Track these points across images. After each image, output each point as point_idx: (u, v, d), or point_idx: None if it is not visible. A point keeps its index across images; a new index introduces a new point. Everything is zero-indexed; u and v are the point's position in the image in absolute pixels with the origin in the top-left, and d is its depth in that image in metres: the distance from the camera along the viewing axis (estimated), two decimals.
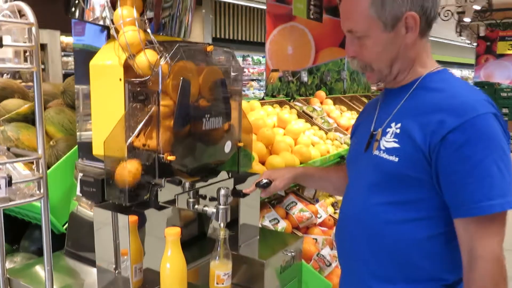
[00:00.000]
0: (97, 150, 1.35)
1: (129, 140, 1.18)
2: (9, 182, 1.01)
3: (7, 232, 1.92)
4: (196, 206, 1.40)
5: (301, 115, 3.11)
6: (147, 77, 1.22)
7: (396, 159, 1.06)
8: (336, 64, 4.74)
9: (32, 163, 1.14)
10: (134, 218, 1.23)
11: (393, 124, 1.11)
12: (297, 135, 2.53)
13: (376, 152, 1.12)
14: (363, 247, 1.16)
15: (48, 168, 1.64)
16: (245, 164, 1.67)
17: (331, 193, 2.68)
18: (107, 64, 1.29)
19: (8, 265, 1.58)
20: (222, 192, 1.34)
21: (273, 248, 1.64)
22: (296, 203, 2.35)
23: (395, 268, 1.12)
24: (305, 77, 3.81)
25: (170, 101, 1.26)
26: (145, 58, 1.20)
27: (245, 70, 10.97)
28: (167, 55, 1.23)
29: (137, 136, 1.23)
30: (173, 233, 1.17)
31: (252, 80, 11.25)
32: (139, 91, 1.25)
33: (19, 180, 1.06)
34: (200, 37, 8.92)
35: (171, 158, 1.24)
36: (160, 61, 1.21)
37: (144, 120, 1.21)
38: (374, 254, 1.14)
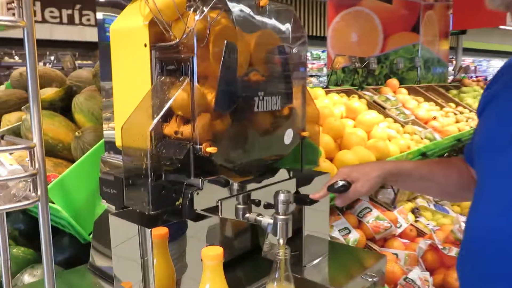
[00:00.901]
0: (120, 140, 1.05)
1: (153, 125, 0.85)
2: None
3: (36, 237, 1.70)
4: (247, 215, 1.05)
5: (372, 105, 2.67)
6: (177, 40, 0.89)
7: None
8: (408, 51, 4.20)
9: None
10: (161, 231, 0.91)
11: None
12: (370, 127, 2.11)
13: None
14: None
15: (73, 163, 1.38)
16: (311, 160, 1.30)
17: (437, 198, 2.17)
18: (128, 27, 0.98)
19: (27, 279, 1.34)
20: (282, 197, 0.99)
21: (348, 269, 1.26)
22: (371, 210, 1.94)
23: None
24: (374, 64, 3.34)
25: (210, 72, 0.93)
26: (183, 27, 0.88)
27: None
28: (204, 8, 0.89)
29: (166, 120, 0.91)
30: (213, 256, 0.83)
31: (311, 76, 10.79)
32: (168, 59, 0.93)
33: (9, 177, 0.77)
34: None
35: (211, 150, 0.90)
36: (194, 17, 0.88)
37: (173, 97, 0.88)
38: None
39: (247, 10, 1.01)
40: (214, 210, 0.97)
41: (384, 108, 2.69)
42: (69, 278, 1.23)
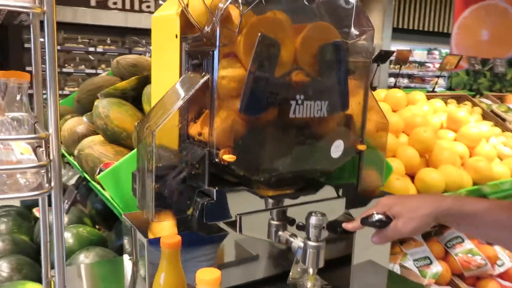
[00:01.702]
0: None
1: (160, 126, 0.77)
2: None
3: (109, 218, 1.77)
4: (280, 233, 0.93)
5: (488, 116, 2.27)
6: (201, 32, 0.79)
7: None
8: None
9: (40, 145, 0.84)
10: (172, 240, 0.83)
11: None
12: (476, 142, 1.77)
13: None
14: None
15: None
16: (373, 177, 1.10)
17: None
18: (164, 16, 0.91)
19: (81, 259, 1.39)
20: (314, 220, 0.84)
21: None
22: (463, 240, 1.63)
23: None
24: (500, 67, 2.84)
25: (241, 69, 0.82)
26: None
27: (430, 65, 9.67)
28: None
29: (184, 119, 0.82)
30: (209, 282, 0.72)
31: (438, 76, 9.84)
32: (194, 52, 0.84)
33: (7, 167, 0.76)
34: (379, 27, 8.17)
35: (228, 158, 0.79)
36: (220, 6, 0.77)
37: (190, 94, 0.78)
38: None
39: None
40: (231, 225, 0.86)
41: (503, 119, 2.26)
42: (104, 266, 1.25)
